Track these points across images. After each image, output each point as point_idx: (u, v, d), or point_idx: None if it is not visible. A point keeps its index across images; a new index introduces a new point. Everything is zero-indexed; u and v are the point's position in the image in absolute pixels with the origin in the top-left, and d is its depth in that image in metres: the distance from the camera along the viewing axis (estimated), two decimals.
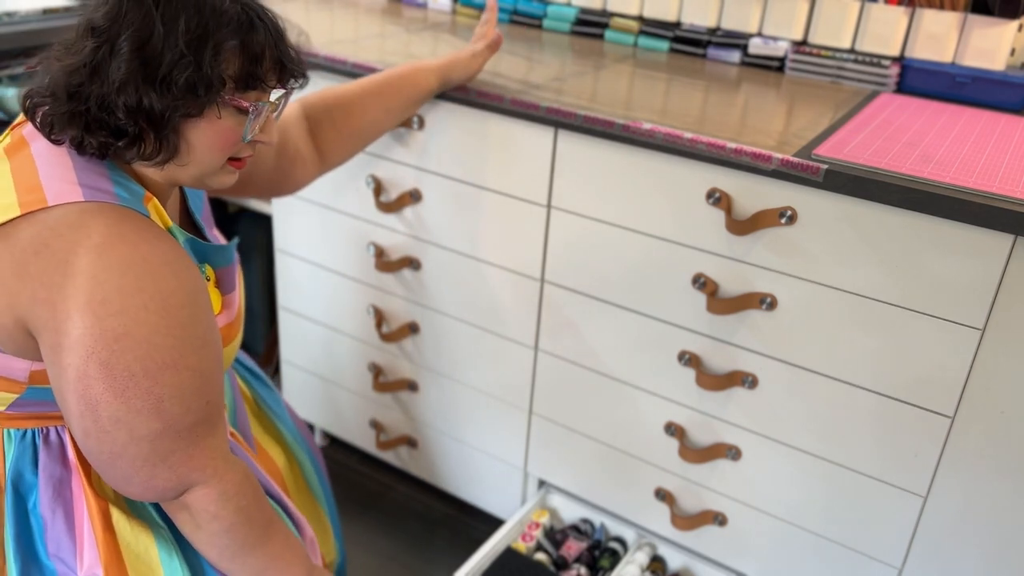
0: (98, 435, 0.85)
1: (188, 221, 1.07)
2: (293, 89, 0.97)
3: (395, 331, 1.62)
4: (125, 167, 0.91)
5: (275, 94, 0.94)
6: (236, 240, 1.11)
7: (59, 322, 0.82)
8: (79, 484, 0.96)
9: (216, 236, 1.11)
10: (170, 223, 0.93)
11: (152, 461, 0.88)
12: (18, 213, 0.84)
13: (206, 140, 0.90)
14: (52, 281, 0.82)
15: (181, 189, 1.06)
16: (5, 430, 0.96)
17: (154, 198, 0.91)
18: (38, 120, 0.88)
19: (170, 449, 0.88)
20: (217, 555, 0.97)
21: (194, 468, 0.90)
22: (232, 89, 0.89)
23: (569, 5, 1.78)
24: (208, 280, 1.01)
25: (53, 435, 0.97)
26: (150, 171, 0.92)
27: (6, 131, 0.96)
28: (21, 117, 0.94)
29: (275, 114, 0.96)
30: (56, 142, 0.88)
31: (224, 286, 1.05)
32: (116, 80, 0.84)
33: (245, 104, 0.90)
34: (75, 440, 0.90)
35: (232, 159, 0.96)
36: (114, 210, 0.86)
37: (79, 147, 0.87)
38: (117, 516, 0.96)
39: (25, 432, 0.96)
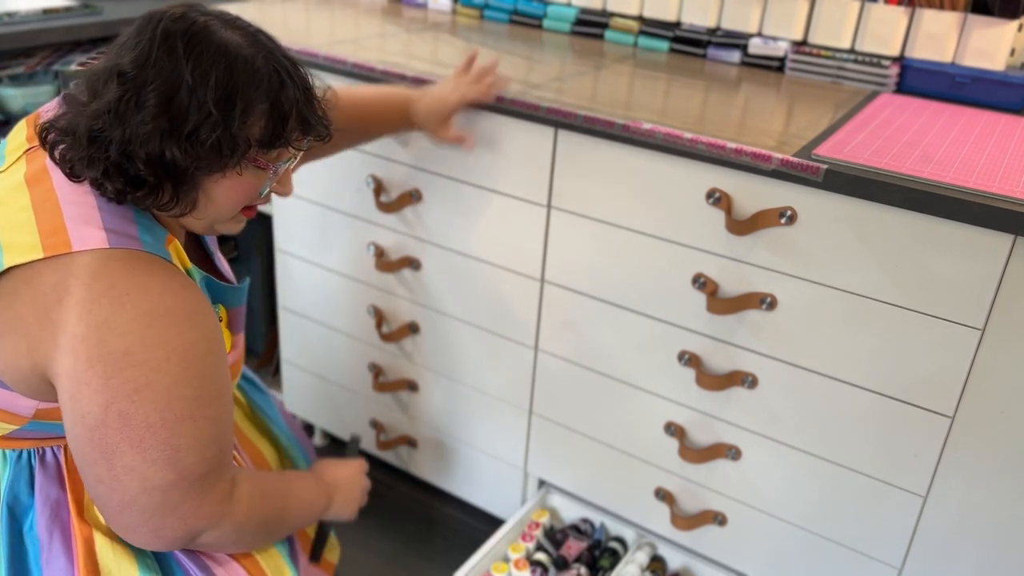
0: (110, 483, 0.84)
1: (197, 246, 1.07)
2: (317, 141, 0.96)
3: (395, 331, 1.62)
4: (149, 210, 0.90)
5: (294, 148, 0.93)
6: (248, 280, 1.11)
7: (80, 371, 0.81)
8: (72, 507, 0.95)
9: (221, 259, 1.11)
10: (189, 265, 0.93)
11: (162, 511, 0.86)
12: (41, 255, 0.82)
13: (224, 195, 0.90)
14: (75, 331, 0.81)
15: None
16: (1, 451, 0.95)
17: (175, 239, 0.90)
18: (57, 156, 0.86)
19: (181, 499, 0.87)
20: (250, 548, 1.00)
21: (203, 516, 0.89)
22: (256, 148, 0.87)
23: (569, 5, 1.78)
24: (220, 320, 1.01)
25: (50, 455, 0.96)
26: (165, 217, 0.92)
27: (19, 152, 0.93)
28: (34, 136, 0.92)
29: (293, 167, 0.97)
30: (75, 181, 0.86)
31: (234, 326, 1.05)
32: (140, 131, 0.82)
33: (266, 164, 0.90)
34: (83, 480, 0.89)
35: (245, 208, 0.96)
36: (139, 257, 0.84)
37: (98, 189, 0.85)
38: (100, 543, 0.94)
39: (21, 453, 0.95)
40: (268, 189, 0.93)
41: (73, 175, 0.86)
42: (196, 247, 1.06)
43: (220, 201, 0.90)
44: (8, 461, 0.95)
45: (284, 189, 0.97)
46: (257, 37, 0.88)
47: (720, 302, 1.23)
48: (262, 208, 1.92)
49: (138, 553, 0.96)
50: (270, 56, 0.87)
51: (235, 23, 0.88)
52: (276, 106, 0.86)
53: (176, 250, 0.90)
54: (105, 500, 0.86)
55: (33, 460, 0.95)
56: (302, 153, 0.96)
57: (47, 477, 0.95)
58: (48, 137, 0.88)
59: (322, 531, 1.29)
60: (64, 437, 0.94)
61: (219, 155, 0.84)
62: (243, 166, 0.87)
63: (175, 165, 0.84)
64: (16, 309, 0.83)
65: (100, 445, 0.83)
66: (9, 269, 0.83)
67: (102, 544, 0.94)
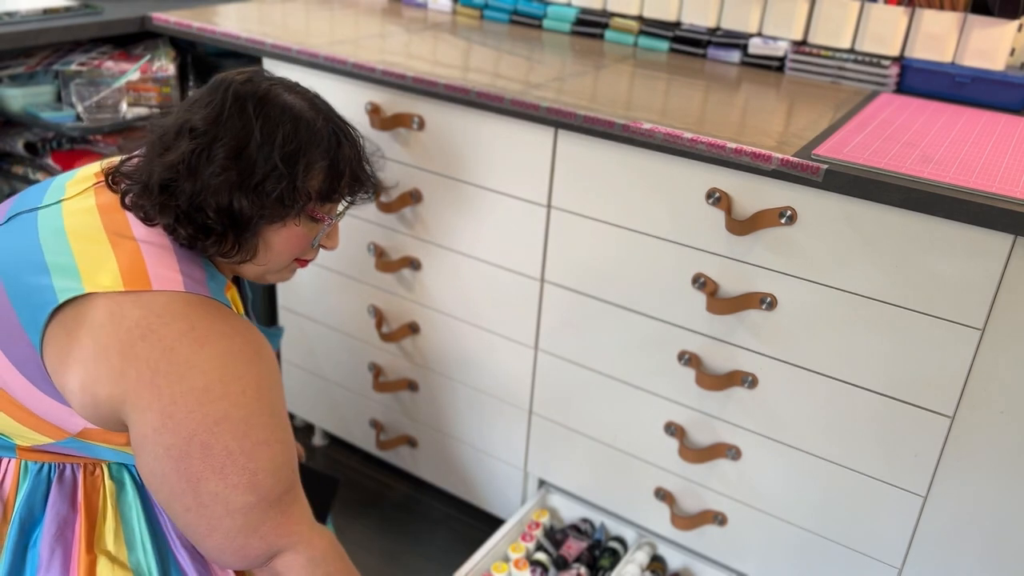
0: (197, 510, 0.89)
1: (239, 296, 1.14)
2: (362, 200, 1.06)
3: (395, 331, 1.62)
4: (211, 258, 0.98)
5: (344, 203, 1.03)
6: (283, 328, 1.20)
7: (164, 405, 0.86)
8: (80, 530, 0.97)
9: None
10: (242, 311, 1.01)
11: (245, 532, 0.91)
12: (122, 288, 0.87)
13: (281, 243, 0.98)
14: (158, 367, 0.86)
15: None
16: (23, 461, 0.97)
17: (233, 287, 0.99)
18: (128, 203, 0.93)
19: (261, 519, 0.91)
20: None
21: (282, 535, 0.93)
22: (314, 201, 0.97)
23: (569, 5, 1.78)
24: None
25: (68, 473, 0.98)
26: (223, 264, 0.99)
27: (87, 184, 0.98)
28: (101, 175, 0.98)
29: (339, 222, 1.06)
30: (150, 225, 0.92)
31: None
32: (211, 183, 0.90)
33: (321, 216, 0.99)
34: (168, 513, 0.93)
35: (301, 260, 1.05)
36: (209, 303, 0.91)
37: (171, 234, 0.92)
38: (102, 569, 0.96)
39: (42, 466, 0.97)
40: (318, 242, 1.03)
41: (147, 220, 0.92)
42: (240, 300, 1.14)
43: (277, 250, 0.98)
44: (29, 473, 0.97)
45: (331, 243, 1.06)
46: (315, 101, 0.98)
47: (720, 302, 1.23)
48: None
49: None
50: (328, 119, 0.97)
51: (295, 88, 0.98)
52: (334, 163, 0.96)
53: (233, 298, 0.99)
54: (194, 527, 0.91)
55: (52, 474, 0.97)
56: (347, 208, 1.05)
57: (61, 494, 0.97)
58: (118, 183, 0.95)
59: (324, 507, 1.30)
60: (80, 456, 0.97)
61: (282, 206, 0.93)
62: (301, 218, 0.96)
63: (242, 214, 0.91)
64: (99, 340, 0.87)
65: (185, 475, 0.88)
66: (88, 295, 0.87)
67: (104, 572, 0.96)
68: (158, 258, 0.90)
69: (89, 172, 1.01)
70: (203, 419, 0.87)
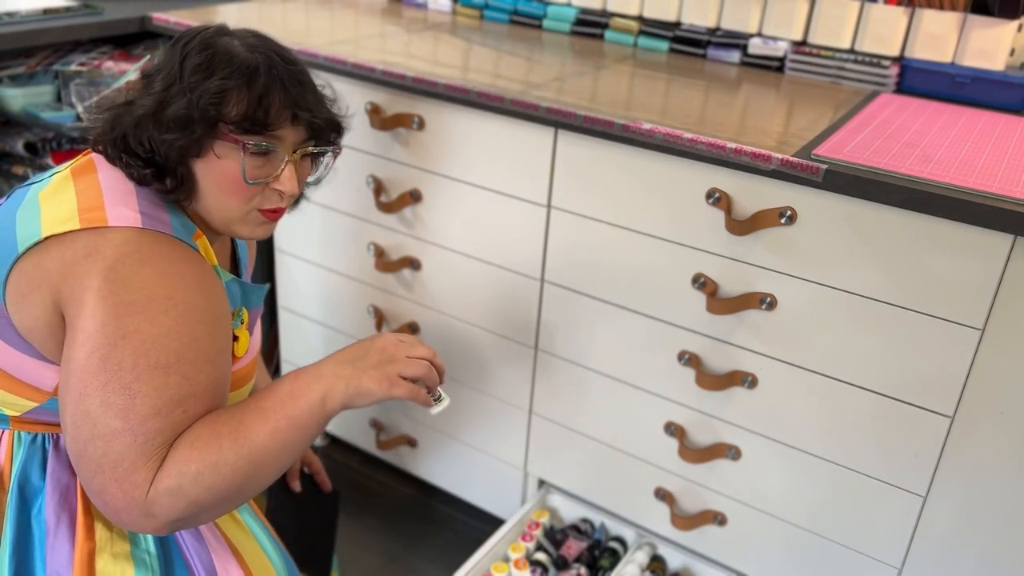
0: (72, 431, 0.83)
1: (234, 268, 1.12)
2: (327, 146, 1.00)
3: (395, 331, 1.62)
4: (178, 205, 0.96)
5: (295, 145, 0.95)
6: (268, 285, 1.14)
7: (83, 319, 0.84)
8: (79, 495, 0.96)
9: (248, 272, 1.16)
10: (215, 262, 0.96)
11: (103, 467, 0.82)
12: (78, 227, 0.87)
13: (212, 178, 0.93)
14: (91, 283, 0.84)
15: (232, 240, 1.11)
16: (16, 432, 0.96)
17: (203, 236, 0.95)
18: (92, 138, 0.94)
19: (120, 456, 0.82)
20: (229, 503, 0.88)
21: (136, 485, 0.82)
22: (234, 130, 0.91)
23: (569, 5, 1.78)
24: (242, 323, 1.04)
25: (63, 441, 0.97)
26: (193, 212, 0.97)
27: (76, 161, 1.00)
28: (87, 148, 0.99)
29: (294, 163, 0.96)
30: (110, 161, 0.93)
31: (252, 328, 1.09)
32: (137, 115, 0.91)
33: (240, 140, 0.91)
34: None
35: (265, 211, 0.97)
36: (166, 239, 0.89)
37: (125, 169, 0.92)
38: (100, 533, 0.95)
39: (35, 436, 0.97)
40: (252, 179, 0.93)
41: (107, 157, 0.93)
42: (234, 271, 1.11)
43: (210, 186, 0.94)
44: (23, 443, 0.96)
45: (285, 186, 0.95)
46: (259, 47, 0.94)
47: (720, 302, 1.23)
48: None
49: (137, 557, 0.96)
50: (261, 53, 0.93)
51: (246, 37, 0.95)
52: (252, 85, 0.91)
53: (204, 245, 0.95)
54: (69, 453, 0.86)
55: (47, 443, 0.97)
56: (301, 152, 0.97)
57: (59, 462, 0.96)
58: (88, 117, 0.97)
59: (325, 542, 1.28)
60: None
61: (191, 131, 0.90)
62: (219, 147, 0.92)
63: (162, 144, 0.90)
64: (43, 266, 0.86)
65: (76, 391, 0.83)
66: (47, 239, 0.87)
67: (102, 538, 0.95)
68: (118, 200, 0.89)
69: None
70: (112, 332, 0.82)
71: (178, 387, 0.85)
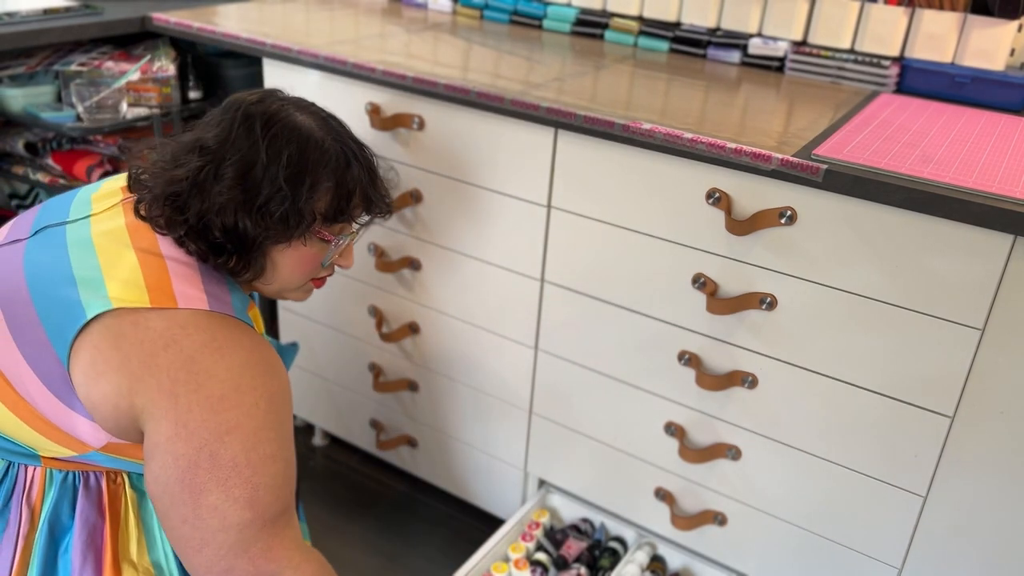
0: (193, 522, 0.89)
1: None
2: (379, 217, 1.06)
3: (395, 331, 1.62)
4: (234, 277, 0.99)
5: (356, 224, 1.04)
6: (298, 344, 1.21)
7: (179, 414, 0.87)
8: (107, 536, 0.98)
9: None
10: (263, 330, 1.01)
11: (236, 551, 0.90)
12: (148, 305, 0.89)
13: (289, 264, 0.99)
14: (177, 376, 0.87)
15: None
16: (48, 469, 0.97)
17: (255, 307, 1.00)
18: (142, 211, 0.95)
19: (253, 539, 0.91)
20: None
21: (271, 559, 0.92)
22: (320, 222, 0.97)
23: (569, 5, 1.78)
24: None
25: (93, 480, 0.98)
26: (246, 282, 1.00)
27: (114, 199, 0.99)
28: (123, 185, 1.00)
29: (355, 241, 1.05)
30: (162, 234, 0.94)
31: None
32: (217, 201, 0.91)
33: (329, 237, 0.99)
34: (164, 526, 0.92)
35: (317, 279, 1.06)
36: (231, 321, 0.92)
37: (181, 247, 0.94)
38: (127, 574, 0.98)
39: (67, 475, 0.98)
40: (328, 262, 1.02)
41: (160, 231, 0.94)
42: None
43: (286, 270, 0.99)
44: (55, 482, 0.97)
45: (346, 262, 1.06)
46: (328, 121, 0.98)
47: (720, 302, 1.23)
48: None
49: None
50: (339, 138, 0.97)
51: (309, 108, 0.98)
52: (341, 184, 0.96)
53: (255, 316, 1.00)
54: (187, 540, 0.90)
55: (78, 482, 0.98)
56: (363, 228, 1.05)
57: (89, 501, 0.98)
58: (134, 187, 0.97)
59: None
60: (102, 466, 0.97)
61: (286, 227, 0.94)
62: (308, 238, 0.97)
63: (246, 234, 0.93)
64: (123, 350, 0.88)
65: (190, 485, 0.88)
66: (116, 310, 0.88)
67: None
68: (184, 277, 0.92)
69: (115, 187, 1.02)
70: (215, 428, 0.87)
71: (286, 467, 0.93)
